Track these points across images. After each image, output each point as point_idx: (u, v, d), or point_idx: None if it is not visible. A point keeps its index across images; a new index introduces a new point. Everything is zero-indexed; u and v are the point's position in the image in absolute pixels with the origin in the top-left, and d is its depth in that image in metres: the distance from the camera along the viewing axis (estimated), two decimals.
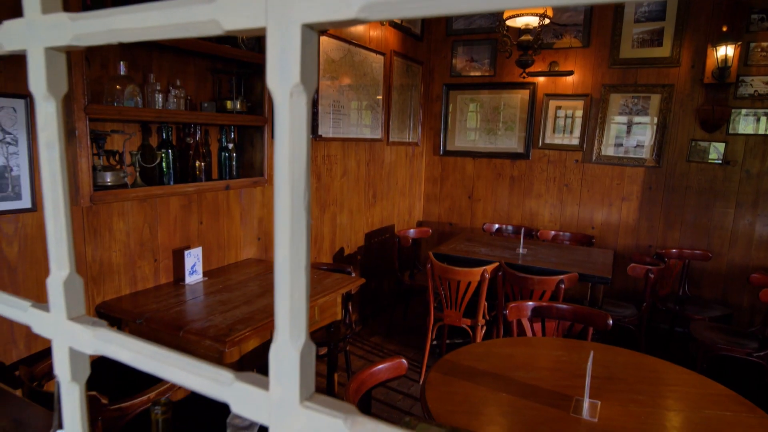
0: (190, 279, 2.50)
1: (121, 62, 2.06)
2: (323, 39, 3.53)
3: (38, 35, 0.51)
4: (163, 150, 2.24)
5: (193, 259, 2.50)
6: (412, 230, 4.48)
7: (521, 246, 3.84)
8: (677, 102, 4.33)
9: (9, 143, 1.81)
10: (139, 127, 2.26)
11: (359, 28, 4.03)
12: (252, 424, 0.61)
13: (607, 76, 4.53)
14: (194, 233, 2.64)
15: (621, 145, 4.58)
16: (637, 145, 4.51)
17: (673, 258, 4.07)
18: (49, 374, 1.83)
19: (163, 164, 2.24)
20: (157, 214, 2.41)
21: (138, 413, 1.56)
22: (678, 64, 4.27)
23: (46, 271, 2.08)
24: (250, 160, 2.79)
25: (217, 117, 2.47)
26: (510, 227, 4.83)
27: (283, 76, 0.37)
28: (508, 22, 3.84)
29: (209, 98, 2.61)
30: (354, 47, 3.88)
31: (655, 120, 4.42)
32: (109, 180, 2.00)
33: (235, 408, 0.49)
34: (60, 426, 0.81)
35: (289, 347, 0.43)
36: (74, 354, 0.63)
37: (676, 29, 4.26)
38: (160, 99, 2.19)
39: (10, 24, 0.53)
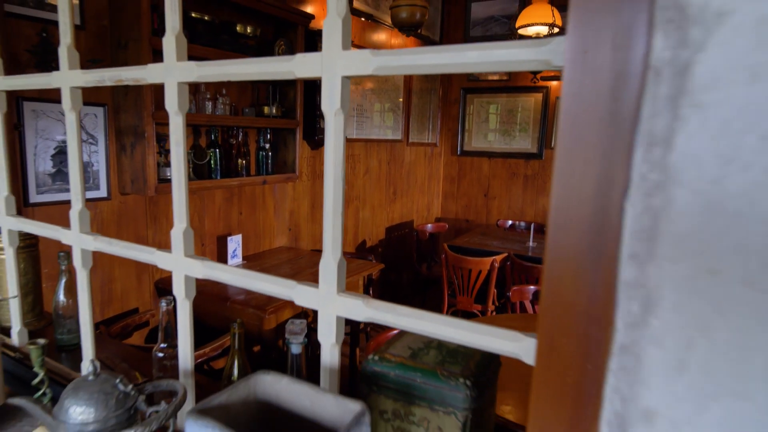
0: (231, 261, 2.88)
1: None
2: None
3: (174, 74, 0.87)
4: (211, 149, 2.62)
5: (234, 245, 2.88)
6: (429, 225, 4.81)
7: (531, 240, 4.12)
8: None
9: (91, 143, 2.20)
10: (192, 130, 2.64)
11: (381, 37, 4.37)
12: (303, 329, 0.94)
13: None
14: (235, 222, 3.01)
15: None
16: None
17: None
18: (122, 335, 2.22)
19: (211, 162, 2.62)
20: (205, 204, 2.79)
21: (198, 363, 1.92)
22: None
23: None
24: (283, 159, 3.16)
25: (256, 121, 2.84)
26: (523, 223, 5.11)
27: (331, 103, 0.73)
28: (520, 31, 4.12)
29: (249, 104, 2.99)
30: None
31: None
32: (168, 174, 2.38)
33: (298, 301, 0.84)
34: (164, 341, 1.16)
35: (330, 260, 0.79)
36: (188, 279, 1.00)
37: None
38: (210, 106, 2.57)
39: (154, 67, 0.89)
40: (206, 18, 2.39)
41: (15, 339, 1.38)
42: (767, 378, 0.36)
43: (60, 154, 2.09)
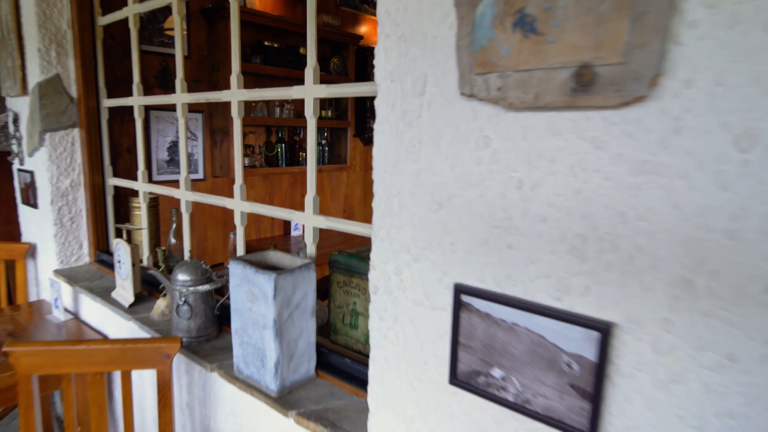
0: (294, 233, 3.65)
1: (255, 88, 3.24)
2: None
3: (236, 96, 1.59)
4: (278, 144, 3.40)
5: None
6: None
7: None
8: None
9: (193, 140, 3.05)
10: (265, 129, 3.44)
11: None
12: (304, 246, 1.62)
13: None
14: (297, 203, 3.79)
15: None
16: None
17: None
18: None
19: (279, 153, 3.41)
20: (274, 187, 3.58)
21: None
22: None
23: (210, 217, 3.31)
24: (337, 152, 3.89)
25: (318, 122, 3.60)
26: None
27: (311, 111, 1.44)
28: None
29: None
30: None
31: None
32: (247, 162, 3.18)
33: (296, 219, 1.54)
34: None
35: (310, 197, 1.47)
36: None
37: None
38: (278, 111, 3.35)
39: (226, 92, 1.62)
40: (275, 45, 3.17)
41: (145, 261, 2.20)
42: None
43: (172, 147, 2.95)
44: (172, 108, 1.83)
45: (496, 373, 0.83)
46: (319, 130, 3.78)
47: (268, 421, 1.33)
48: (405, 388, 0.99)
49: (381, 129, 0.96)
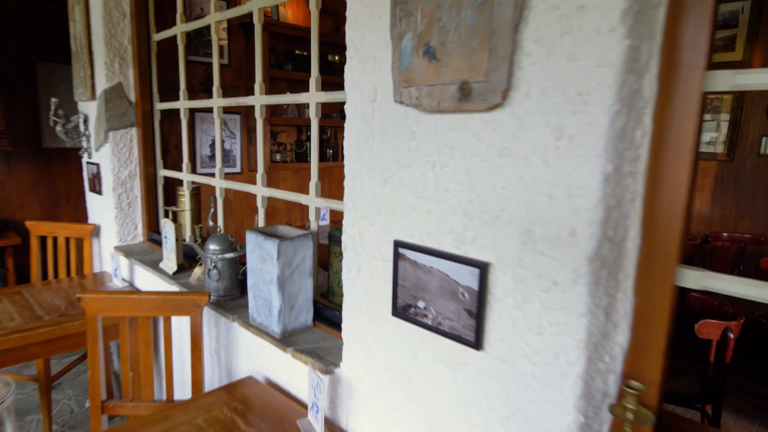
0: (322, 222, 4.02)
1: (287, 92, 3.62)
2: None
3: (259, 101, 1.96)
4: (307, 141, 3.78)
5: (323, 210, 4.02)
6: None
7: None
8: (749, 101, 4.75)
9: (231, 138, 3.46)
10: (295, 128, 3.82)
11: None
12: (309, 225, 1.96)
13: None
14: (325, 194, 4.15)
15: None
16: (709, 141, 4.99)
17: (725, 241, 4.57)
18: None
19: (307, 150, 3.78)
20: (304, 181, 3.96)
21: None
22: (750, 67, 4.70)
23: (246, 206, 3.73)
24: None
25: (340, 122, 3.95)
26: None
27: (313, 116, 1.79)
28: None
29: (337, 110, 4.11)
30: None
31: (728, 117, 4.88)
32: (278, 158, 3.57)
33: (304, 201, 1.89)
34: None
35: (313, 184, 1.81)
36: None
37: (749, 35, 4.69)
38: (306, 112, 3.73)
39: (251, 98, 1.98)
40: (305, 53, 3.54)
41: (186, 239, 2.60)
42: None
43: (213, 144, 3.38)
44: (212, 110, 2.22)
45: (420, 304, 1.13)
46: (336, 129, 4.14)
47: (273, 357, 1.68)
48: (365, 322, 1.30)
49: (349, 127, 1.28)
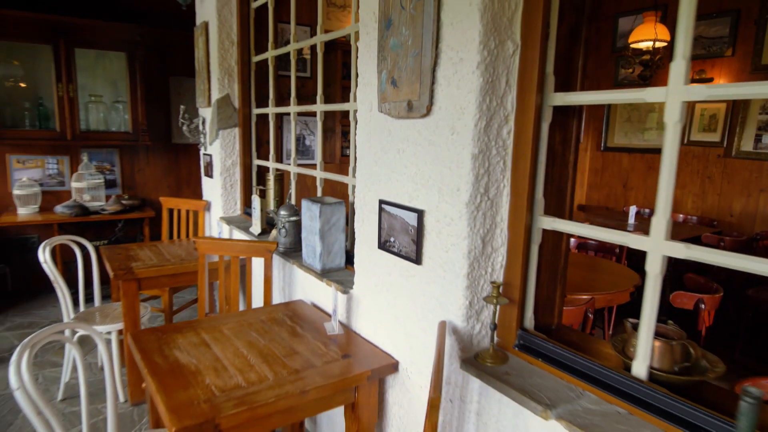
0: None
1: None
2: None
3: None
4: None
5: None
6: None
7: (632, 221, 4.99)
8: None
9: (311, 136, 4.28)
10: None
11: None
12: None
13: (749, 80, 5.14)
14: None
15: (760, 140, 5.12)
16: None
17: None
18: None
19: None
20: None
21: None
22: None
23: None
24: None
25: None
26: (647, 210, 5.80)
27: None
28: (633, 45, 5.00)
29: None
30: None
31: None
32: (348, 153, 4.34)
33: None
34: None
35: None
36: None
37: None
38: None
39: (327, 105, 2.74)
40: None
41: (270, 211, 3.42)
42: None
43: (297, 140, 4.21)
44: (303, 111, 2.99)
45: (392, 239, 1.79)
46: None
47: (315, 286, 2.41)
48: (365, 254, 1.98)
49: (359, 127, 1.96)
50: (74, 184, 4.77)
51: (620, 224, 4.85)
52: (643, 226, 4.80)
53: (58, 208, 4.53)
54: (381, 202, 1.84)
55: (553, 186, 1.60)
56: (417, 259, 1.68)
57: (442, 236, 1.57)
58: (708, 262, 1.13)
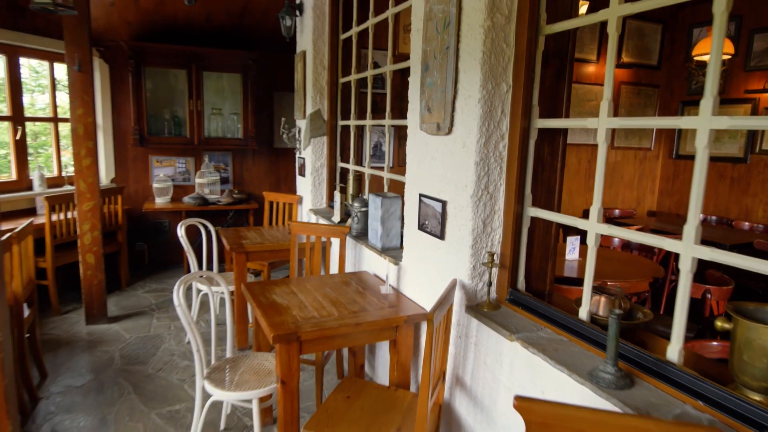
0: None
1: None
2: None
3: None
4: None
5: None
6: (617, 210, 6.19)
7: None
8: None
9: (381, 138, 5.02)
10: None
11: (590, 69, 6.05)
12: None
13: None
14: None
15: None
16: None
17: None
18: None
19: None
20: None
21: None
22: None
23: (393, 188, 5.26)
24: None
25: None
26: (714, 217, 5.89)
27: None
28: (696, 58, 5.20)
29: None
30: (578, 85, 5.96)
31: None
32: None
33: None
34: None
35: None
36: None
37: None
38: None
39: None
40: None
41: (348, 204, 4.20)
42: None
43: (374, 146, 4.96)
44: (376, 124, 3.71)
45: (426, 222, 2.46)
46: None
47: (376, 260, 3.11)
48: (411, 234, 2.66)
49: (408, 140, 2.64)
50: (197, 180, 5.89)
51: (677, 229, 5.08)
52: (702, 232, 4.99)
53: (185, 199, 5.65)
54: (420, 195, 2.51)
55: (543, 186, 2.18)
56: (441, 236, 2.33)
57: (456, 219, 2.21)
58: (723, 262, 1.42)
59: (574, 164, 6.21)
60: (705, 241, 1.52)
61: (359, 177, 4.25)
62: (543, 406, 1.19)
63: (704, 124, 1.41)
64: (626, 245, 4.40)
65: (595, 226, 1.78)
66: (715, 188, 6.17)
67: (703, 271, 3.49)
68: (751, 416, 1.27)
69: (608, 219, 6.23)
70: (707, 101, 1.40)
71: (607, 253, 3.97)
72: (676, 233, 4.54)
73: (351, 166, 4.15)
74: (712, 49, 1.40)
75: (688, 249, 1.52)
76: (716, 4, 1.38)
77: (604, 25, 1.70)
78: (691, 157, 6.41)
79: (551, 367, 1.67)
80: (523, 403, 1.20)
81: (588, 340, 1.76)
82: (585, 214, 6.16)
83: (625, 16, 1.68)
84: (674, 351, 1.51)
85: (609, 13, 1.67)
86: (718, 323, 1.45)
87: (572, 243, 3.65)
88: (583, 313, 1.84)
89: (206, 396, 2.44)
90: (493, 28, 1.98)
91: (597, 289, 1.91)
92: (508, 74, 2.05)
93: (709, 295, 2.96)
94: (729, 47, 4.97)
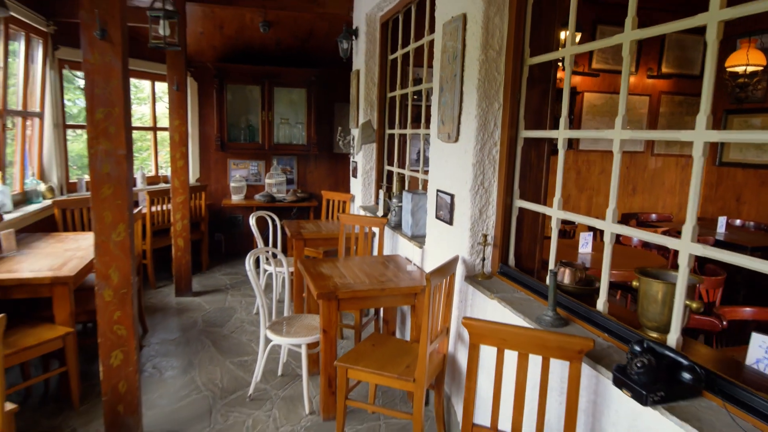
0: None
1: None
2: (587, 94, 6.19)
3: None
4: None
5: None
6: (653, 215, 6.44)
7: (722, 230, 5.43)
8: None
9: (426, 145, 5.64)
10: None
11: (630, 80, 6.38)
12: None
13: None
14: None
15: None
16: None
17: None
18: None
19: None
20: None
21: None
22: None
23: None
24: None
25: None
26: (752, 223, 6.03)
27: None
28: (729, 69, 5.44)
29: None
30: (616, 95, 6.30)
31: None
32: None
33: None
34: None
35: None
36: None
37: None
38: None
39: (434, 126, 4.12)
40: None
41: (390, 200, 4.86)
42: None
43: (417, 152, 5.60)
44: (413, 133, 4.36)
45: (441, 212, 3.07)
46: None
47: (407, 246, 3.75)
48: (430, 222, 3.28)
49: (431, 146, 3.27)
50: (267, 181, 6.78)
51: (709, 232, 5.33)
52: (732, 235, 5.22)
53: (257, 197, 6.55)
54: (437, 190, 3.13)
55: (531, 183, 2.73)
56: (450, 222, 2.94)
57: (460, 208, 2.82)
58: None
59: (610, 171, 6.54)
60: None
61: (402, 178, 4.91)
62: (479, 323, 1.80)
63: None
64: (646, 244, 4.76)
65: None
66: (758, 195, 6.28)
67: (703, 265, 3.85)
68: (630, 340, 1.80)
69: (643, 223, 6.50)
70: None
71: (622, 249, 4.38)
72: (707, 236, 4.82)
73: (395, 169, 4.82)
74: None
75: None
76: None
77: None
78: (735, 165, 6.55)
79: (514, 315, 2.24)
80: (467, 321, 1.82)
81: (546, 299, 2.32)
82: (624, 219, 6.48)
83: (576, 54, 2.23)
84: (601, 303, 2.05)
85: (565, 52, 2.24)
86: (634, 283, 1.98)
87: (585, 238, 4.11)
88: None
89: (267, 341, 3.18)
90: (486, 61, 2.58)
91: (564, 263, 2.46)
92: (499, 95, 2.64)
93: (697, 285, 3.35)
94: (761, 59, 5.18)
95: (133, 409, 2.66)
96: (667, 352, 1.53)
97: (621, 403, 1.64)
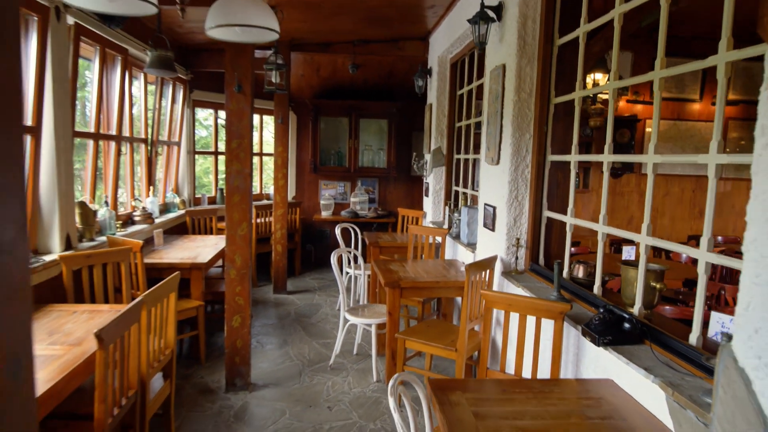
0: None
1: None
2: (650, 121, 6.54)
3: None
4: None
5: None
6: (720, 237, 6.56)
7: None
8: None
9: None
10: None
11: (695, 107, 6.65)
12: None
13: None
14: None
15: None
16: None
17: None
18: None
19: None
20: None
21: None
22: None
23: None
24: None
25: None
26: None
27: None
28: None
29: None
30: (680, 122, 6.59)
31: None
32: None
33: None
34: None
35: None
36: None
37: None
38: None
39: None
40: None
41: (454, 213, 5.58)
42: None
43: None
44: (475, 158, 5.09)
45: (487, 221, 3.76)
46: None
47: (464, 252, 4.44)
48: (480, 231, 3.97)
49: (481, 167, 3.98)
50: (351, 199, 7.75)
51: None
52: None
53: (342, 213, 7.52)
54: (485, 204, 3.82)
55: (558, 199, 3.36)
56: (493, 229, 3.62)
57: (499, 218, 3.50)
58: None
59: (677, 193, 6.77)
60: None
61: (465, 196, 5.61)
62: (492, 293, 2.50)
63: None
64: (694, 261, 5.05)
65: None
66: None
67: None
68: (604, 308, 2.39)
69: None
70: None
71: (663, 262, 4.75)
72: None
73: (461, 189, 5.54)
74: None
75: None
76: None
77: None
78: None
79: (530, 296, 2.89)
80: (484, 292, 2.52)
81: (564, 289, 2.93)
82: (694, 240, 6.67)
83: (584, 96, 2.89)
84: (596, 288, 2.65)
85: (575, 95, 2.90)
86: (622, 272, 2.57)
87: (628, 251, 4.56)
88: (565, 274, 3.00)
89: (345, 321, 4.01)
90: (519, 101, 3.29)
91: (579, 262, 3.06)
92: (530, 128, 3.32)
93: (723, 291, 3.73)
94: None
95: (246, 361, 3.59)
96: (617, 311, 2.14)
97: (590, 349, 2.25)
